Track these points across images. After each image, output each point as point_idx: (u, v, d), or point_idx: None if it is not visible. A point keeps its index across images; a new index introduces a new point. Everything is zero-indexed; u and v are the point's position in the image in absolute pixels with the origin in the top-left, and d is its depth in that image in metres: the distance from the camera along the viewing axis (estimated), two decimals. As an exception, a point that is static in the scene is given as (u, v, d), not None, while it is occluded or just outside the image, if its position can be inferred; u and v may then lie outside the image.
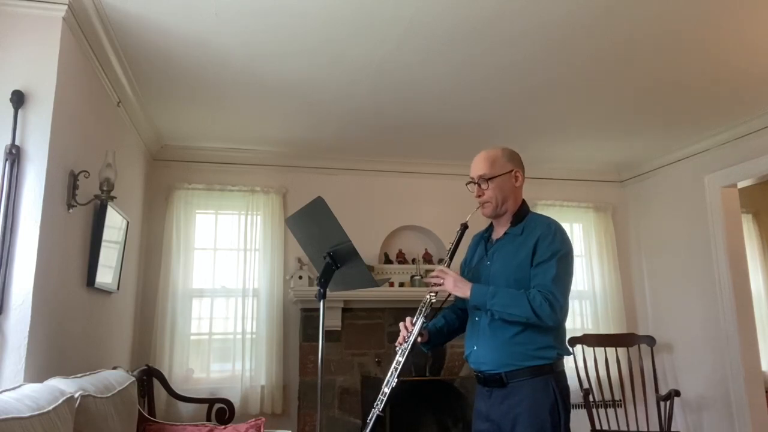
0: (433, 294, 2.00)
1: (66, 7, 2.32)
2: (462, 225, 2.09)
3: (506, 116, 3.74)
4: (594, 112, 3.71)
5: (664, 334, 4.62)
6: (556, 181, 4.94)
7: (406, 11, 2.50)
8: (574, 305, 4.72)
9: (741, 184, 4.13)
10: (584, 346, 4.32)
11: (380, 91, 3.34)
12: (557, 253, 1.92)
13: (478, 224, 2.18)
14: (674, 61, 3.00)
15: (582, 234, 4.91)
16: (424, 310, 1.99)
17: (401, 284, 4.42)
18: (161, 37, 2.69)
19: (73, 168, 2.51)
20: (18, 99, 2.21)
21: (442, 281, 1.98)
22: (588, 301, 4.74)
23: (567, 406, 1.91)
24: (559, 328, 1.96)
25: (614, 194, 5.09)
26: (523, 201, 2.11)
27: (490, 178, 2.03)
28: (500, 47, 2.83)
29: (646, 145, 4.39)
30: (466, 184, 2.12)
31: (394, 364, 1.95)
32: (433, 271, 2.07)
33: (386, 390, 1.93)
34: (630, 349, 4.44)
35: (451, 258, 2.08)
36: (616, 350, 4.41)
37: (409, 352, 1.96)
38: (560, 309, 1.88)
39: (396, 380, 1.92)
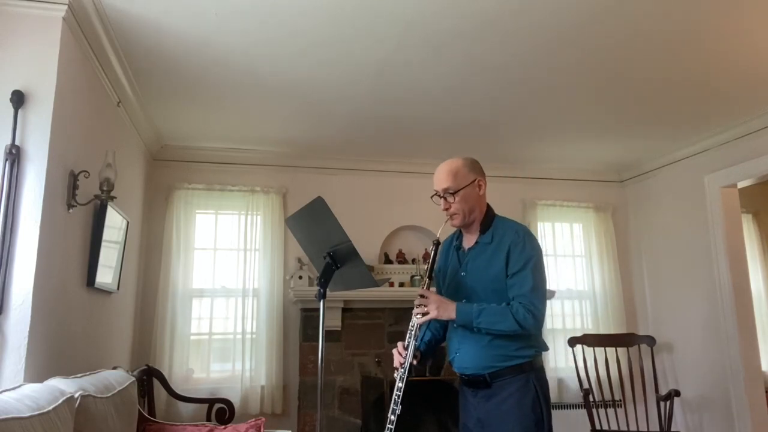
0: (419, 316, 2.02)
1: (66, 7, 2.32)
2: (434, 242, 2.13)
3: (506, 116, 3.74)
4: (594, 112, 3.71)
5: (664, 334, 4.62)
6: (556, 181, 4.94)
7: (406, 11, 2.50)
8: (574, 305, 4.73)
9: (741, 184, 4.13)
10: (584, 346, 4.32)
11: (380, 91, 3.34)
12: (530, 260, 2.00)
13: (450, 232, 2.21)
14: (674, 61, 3.00)
15: (582, 234, 4.91)
16: (413, 334, 2.03)
17: (401, 284, 4.42)
18: (161, 37, 2.69)
19: (73, 168, 2.51)
20: (18, 99, 2.21)
21: (426, 309, 2.00)
22: (588, 301, 4.74)
23: (548, 400, 2.01)
24: None
25: (614, 194, 5.09)
26: (488, 207, 2.17)
27: (455, 192, 2.08)
28: (500, 47, 2.83)
29: (646, 145, 4.39)
30: (431, 197, 2.17)
31: (395, 391, 1.99)
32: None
33: (393, 417, 1.97)
34: (630, 349, 4.44)
35: (430, 277, 2.09)
36: (616, 350, 4.41)
37: (407, 377, 2.00)
38: (542, 317, 1.97)
39: (400, 407, 1.97)
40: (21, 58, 2.27)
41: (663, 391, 4.25)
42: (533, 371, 1.99)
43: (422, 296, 2.02)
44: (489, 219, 2.13)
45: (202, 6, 2.45)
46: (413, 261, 4.53)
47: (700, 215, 4.29)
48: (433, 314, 1.99)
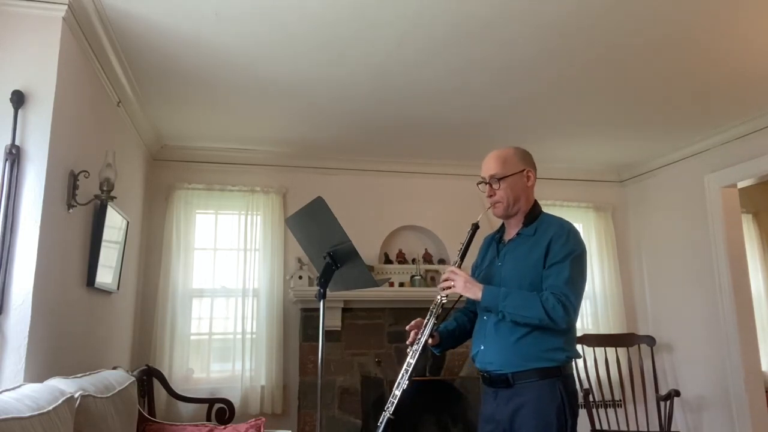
0: (444, 295, 1.96)
1: (66, 7, 2.31)
2: (473, 225, 2.05)
3: (506, 116, 3.74)
4: (594, 112, 3.71)
5: (664, 334, 4.62)
6: (556, 181, 4.94)
7: (406, 11, 2.50)
8: (574, 305, 4.72)
9: (741, 184, 4.13)
10: (584, 346, 4.31)
11: (380, 91, 3.34)
12: (571, 254, 1.90)
13: (487, 226, 2.16)
14: (674, 61, 3.00)
15: (582, 234, 4.88)
16: (435, 310, 1.96)
17: (401, 284, 4.42)
18: (161, 37, 2.69)
19: (73, 168, 2.51)
20: (18, 99, 2.21)
21: (452, 283, 1.94)
22: (588, 301, 4.74)
23: (575, 410, 1.87)
24: (570, 330, 1.92)
25: (614, 194, 5.09)
26: (536, 201, 2.08)
27: (501, 178, 1.99)
28: (500, 47, 2.83)
29: (646, 145, 4.39)
30: (477, 184, 2.08)
31: (405, 366, 1.92)
32: (438, 271, 2.05)
33: (397, 392, 1.90)
34: (630, 349, 4.44)
35: (462, 258, 2.03)
36: (616, 350, 4.41)
37: (420, 354, 1.93)
38: (574, 311, 1.85)
39: (407, 382, 1.89)
40: (21, 58, 2.27)
41: (663, 391, 4.25)
42: (561, 377, 1.85)
43: (452, 271, 1.95)
44: (535, 213, 2.04)
45: (203, 6, 2.45)
46: (413, 261, 4.53)
47: (700, 215, 4.28)
48: (459, 288, 1.91)
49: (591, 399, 4.07)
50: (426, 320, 1.97)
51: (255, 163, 4.39)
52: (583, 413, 4.08)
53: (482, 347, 1.97)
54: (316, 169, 4.51)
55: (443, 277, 1.98)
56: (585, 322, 4.68)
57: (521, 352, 1.87)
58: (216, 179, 4.29)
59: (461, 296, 2.01)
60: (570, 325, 1.87)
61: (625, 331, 4.62)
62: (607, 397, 4.34)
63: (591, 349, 4.34)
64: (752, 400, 3.91)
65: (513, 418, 1.86)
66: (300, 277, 4.16)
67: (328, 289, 2.07)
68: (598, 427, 4.06)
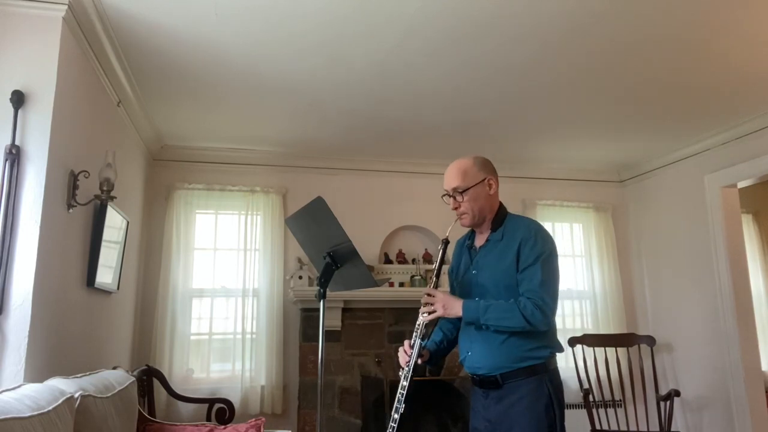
0: (425, 320, 2.01)
1: (66, 7, 2.32)
2: (443, 240, 2.10)
3: (506, 116, 3.74)
4: (594, 112, 3.71)
5: (664, 334, 4.62)
6: (556, 181, 4.94)
7: (407, 11, 2.50)
8: (574, 305, 4.73)
9: (741, 184, 4.13)
10: (584, 346, 4.32)
11: (380, 91, 3.34)
12: (541, 255, 1.95)
13: (461, 232, 2.19)
14: (674, 61, 3.00)
15: (582, 234, 4.91)
16: (419, 332, 2.01)
17: (401, 284, 4.42)
18: (161, 37, 2.69)
19: (73, 168, 2.51)
20: (18, 99, 2.21)
21: (432, 307, 1.99)
22: (588, 301, 4.74)
23: (561, 404, 1.95)
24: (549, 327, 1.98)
25: (614, 194, 5.09)
26: (500, 205, 2.13)
27: (463, 191, 2.05)
28: (501, 47, 2.83)
29: (646, 145, 4.39)
30: (442, 197, 2.14)
31: (399, 389, 1.97)
32: (430, 276, 2.08)
33: (396, 416, 1.95)
34: (630, 349, 4.44)
35: (437, 276, 2.08)
36: (616, 350, 4.41)
37: (412, 375, 1.98)
38: (551, 312, 1.91)
39: (403, 405, 1.94)
40: (21, 58, 2.27)
41: (663, 391, 4.25)
42: (547, 373, 1.94)
43: (429, 295, 2.00)
44: (501, 217, 2.09)
45: (203, 6, 2.45)
46: (413, 261, 4.53)
47: (700, 215, 4.28)
48: (439, 312, 1.97)
49: (591, 399, 4.07)
50: (412, 341, 2.02)
51: (255, 163, 4.40)
52: (583, 413, 4.11)
53: (470, 352, 2.04)
54: (316, 169, 4.51)
55: (423, 300, 2.03)
56: (585, 322, 4.69)
57: (507, 353, 1.94)
58: (216, 179, 4.29)
59: None
60: (550, 326, 1.95)
61: (625, 331, 4.62)
62: (607, 397, 4.34)
63: (591, 349, 4.34)
64: (752, 400, 3.91)
65: (504, 418, 1.93)
66: (300, 277, 4.16)
67: (328, 289, 2.07)
68: (598, 427, 4.05)
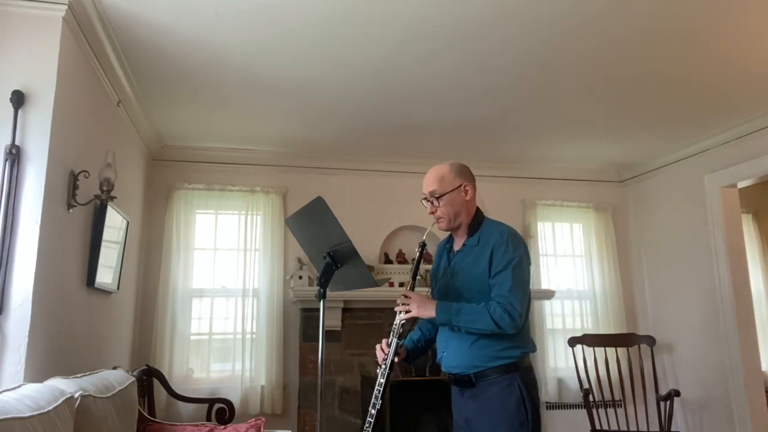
0: (401, 319, 2.06)
1: (66, 7, 2.32)
2: (420, 244, 2.18)
3: (506, 116, 3.74)
4: (594, 112, 3.71)
5: (664, 334, 4.62)
6: (556, 181, 4.94)
7: (406, 11, 2.50)
8: (574, 305, 4.73)
9: (741, 184, 4.13)
10: (584, 346, 4.32)
11: (380, 91, 3.34)
12: (511, 261, 2.01)
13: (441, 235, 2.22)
14: (674, 61, 3.00)
15: (582, 234, 4.91)
16: (396, 332, 2.06)
17: (401, 284, 4.42)
18: (161, 37, 2.69)
19: (73, 168, 2.51)
20: (18, 99, 2.21)
21: (408, 307, 2.05)
22: (588, 301, 4.74)
23: (534, 401, 2.02)
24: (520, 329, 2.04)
25: (614, 194, 5.09)
26: (477, 210, 2.19)
27: (440, 196, 2.12)
28: (500, 47, 2.83)
29: (646, 145, 4.39)
30: (421, 201, 2.20)
31: (377, 386, 2.02)
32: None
33: (373, 412, 2.00)
34: (630, 349, 4.44)
35: (414, 278, 2.14)
36: (616, 350, 4.41)
37: (389, 373, 2.03)
38: (519, 316, 1.97)
39: (380, 402, 2.00)
40: (21, 58, 2.27)
41: (663, 391, 4.25)
42: (519, 371, 2.01)
43: (405, 296, 2.07)
44: (477, 222, 2.16)
45: (203, 6, 2.45)
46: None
47: (700, 215, 4.29)
48: (414, 312, 2.03)
49: (591, 399, 4.07)
50: (390, 340, 2.07)
51: (255, 163, 4.40)
52: (583, 413, 4.11)
53: (445, 352, 2.13)
54: (316, 169, 4.51)
55: (399, 301, 2.08)
56: (585, 322, 4.69)
57: (479, 354, 2.02)
58: (216, 179, 4.30)
59: None
60: (518, 330, 1.99)
61: (625, 331, 4.62)
62: (607, 397, 4.34)
63: (591, 349, 4.34)
64: (752, 400, 3.91)
65: (478, 415, 2.03)
66: (300, 277, 4.16)
67: (328, 289, 2.08)
68: (598, 427, 4.06)
